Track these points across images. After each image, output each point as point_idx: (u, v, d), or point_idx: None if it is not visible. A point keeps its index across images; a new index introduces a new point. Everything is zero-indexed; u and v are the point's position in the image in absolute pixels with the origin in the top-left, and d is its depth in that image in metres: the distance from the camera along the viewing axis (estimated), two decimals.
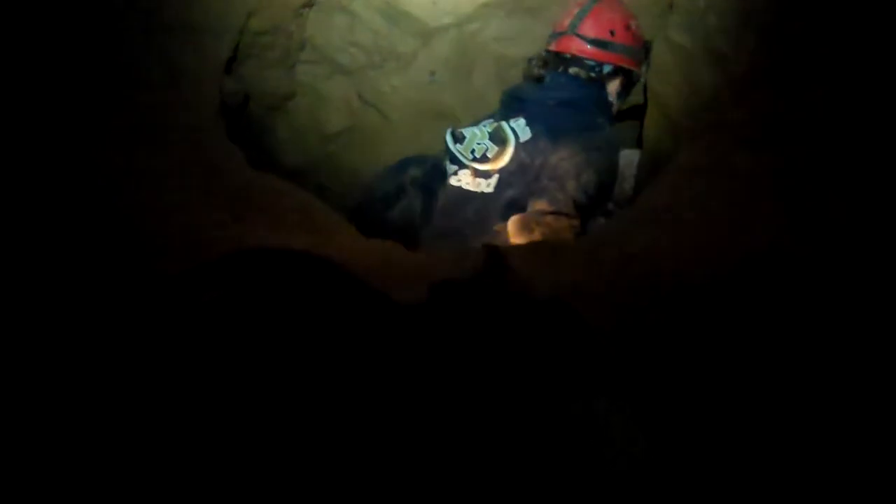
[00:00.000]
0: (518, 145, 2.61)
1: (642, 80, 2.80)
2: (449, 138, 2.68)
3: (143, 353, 1.09)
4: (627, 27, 2.79)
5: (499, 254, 1.46)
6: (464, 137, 2.67)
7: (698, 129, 1.95)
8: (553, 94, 2.75)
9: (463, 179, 2.66)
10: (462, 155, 2.64)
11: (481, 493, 0.91)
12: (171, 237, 1.57)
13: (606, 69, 2.80)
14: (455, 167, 2.68)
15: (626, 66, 2.81)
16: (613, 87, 2.85)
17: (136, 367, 1.07)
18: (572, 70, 2.79)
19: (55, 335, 1.15)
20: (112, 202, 1.62)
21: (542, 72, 2.86)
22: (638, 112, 2.86)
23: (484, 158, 2.62)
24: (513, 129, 2.64)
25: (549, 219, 2.46)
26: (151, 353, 1.09)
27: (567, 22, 2.82)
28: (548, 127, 2.63)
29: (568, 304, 1.21)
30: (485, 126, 2.70)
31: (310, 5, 2.97)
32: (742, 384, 1.10)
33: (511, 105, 2.81)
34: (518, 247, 1.85)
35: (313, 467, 0.96)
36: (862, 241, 1.29)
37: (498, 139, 2.64)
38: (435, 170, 2.76)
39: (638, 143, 2.81)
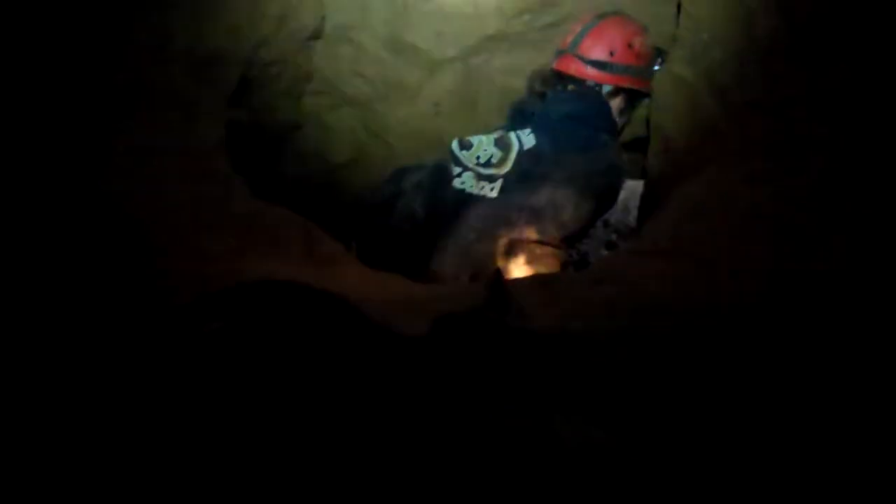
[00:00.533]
0: (522, 152, 2.65)
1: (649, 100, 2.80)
2: (455, 145, 2.72)
3: (144, 382, 1.09)
4: (629, 45, 2.80)
5: (501, 287, 1.47)
6: (470, 145, 2.71)
7: (701, 161, 1.96)
8: (556, 108, 2.77)
9: (467, 183, 2.66)
10: (467, 160, 2.68)
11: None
12: (176, 266, 1.58)
13: (606, 89, 2.83)
14: (459, 169, 2.69)
15: (626, 85, 2.83)
16: (616, 104, 2.87)
17: (137, 397, 1.07)
18: (572, 87, 2.83)
19: (57, 364, 1.15)
20: (115, 229, 1.63)
21: (542, 88, 2.88)
22: (642, 144, 2.88)
23: (488, 164, 2.65)
24: (518, 137, 2.68)
25: (535, 247, 2.48)
26: (153, 382, 1.09)
27: (569, 40, 2.86)
28: (552, 139, 2.66)
29: (566, 335, 1.21)
30: (491, 135, 2.75)
31: (317, 37, 3.00)
32: (741, 415, 1.10)
33: (516, 118, 2.85)
34: (521, 280, 1.86)
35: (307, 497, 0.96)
36: (862, 272, 1.30)
37: (503, 146, 2.68)
38: (438, 172, 2.76)
39: (642, 174, 2.83)
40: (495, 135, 2.73)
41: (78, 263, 1.46)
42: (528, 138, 2.68)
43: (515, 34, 3.05)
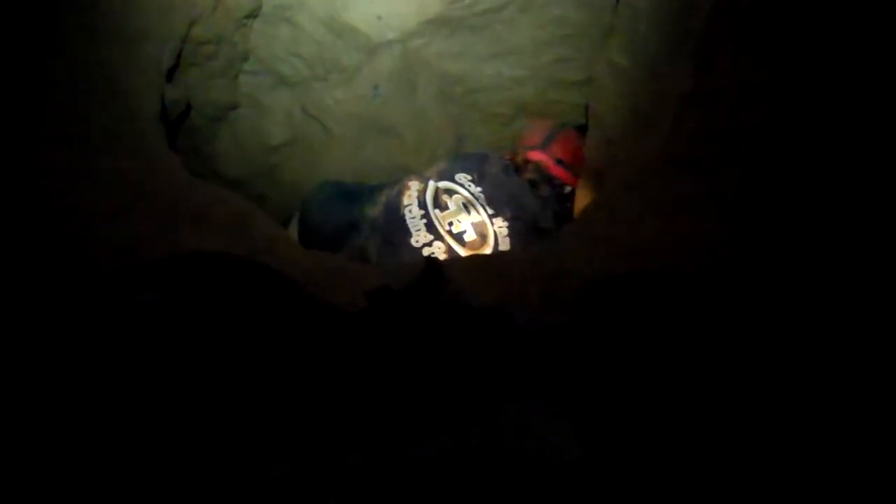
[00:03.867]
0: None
1: None
2: (430, 196, 2.64)
3: (73, 352, 1.07)
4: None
5: (438, 265, 1.47)
6: (446, 206, 2.62)
7: (636, 150, 1.99)
8: (540, 218, 2.74)
9: (437, 253, 2.54)
10: (440, 224, 2.59)
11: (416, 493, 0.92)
12: (108, 242, 1.54)
13: (567, 189, 2.91)
14: (431, 237, 2.58)
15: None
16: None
17: (64, 367, 1.05)
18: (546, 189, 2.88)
19: None
20: (47, 205, 1.59)
21: (539, 180, 2.90)
22: (581, 131, 2.92)
23: (460, 240, 2.57)
24: (496, 234, 2.60)
25: None
26: (82, 353, 1.07)
27: (537, 140, 2.98)
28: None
29: (501, 311, 1.22)
30: (469, 189, 2.67)
31: (254, 16, 2.96)
32: (670, 386, 1.12)
33: (497, 190, 2.73)
34: (458, 259, 1.87)
35: (244, 479, 0.95)
36: (790, 260, 1.33)
37: (479, 232, 2.60)
38: (392, 215, 2.65)
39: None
40: (476, 205, 2.63)
41: (7, 236, 1.42)
42: (504, 239, 2.60)
43: (456, 19, 3.04)
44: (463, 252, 2.53)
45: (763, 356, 1.16)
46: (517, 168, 2.94)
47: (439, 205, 2.62)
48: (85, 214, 1.63)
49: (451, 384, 1.06)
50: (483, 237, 2.58)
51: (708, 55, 1.84)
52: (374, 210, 2.72)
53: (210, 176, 3.17)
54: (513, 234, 2.61)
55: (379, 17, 3.04)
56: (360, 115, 3.25)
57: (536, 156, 2.92)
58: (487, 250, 2.55)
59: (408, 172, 2.96)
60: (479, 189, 2.68)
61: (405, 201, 2.65)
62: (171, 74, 2.55)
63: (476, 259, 1.88)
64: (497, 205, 2.66)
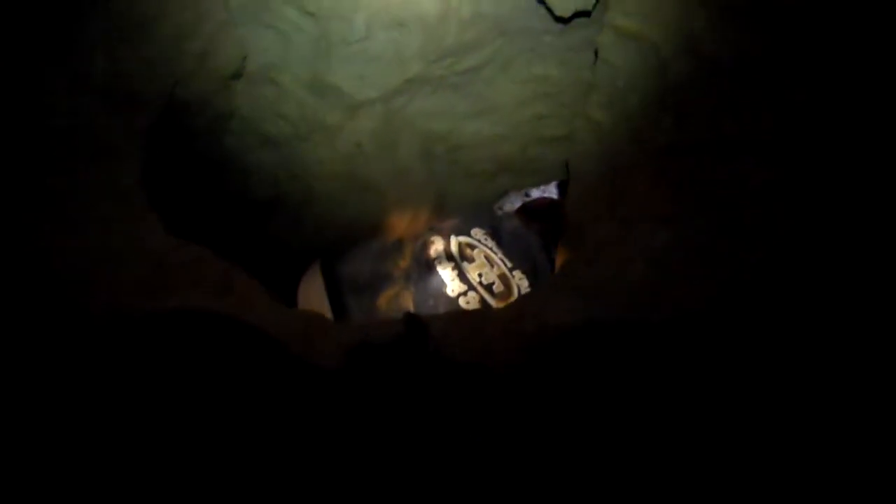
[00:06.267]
0: None
1: None
2: (455, 247, 2.67)
3: (57, 408, 1.06)
4: None
5: (420, 322, 1.47)
6: (472, 259, 2.66)
7: (616, 205, 2.00)
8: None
9: (471, 304, 2.57)
10: (470, 275, 2.62)
11: None
12: (91, 301, 1.54)
13: None
14: (465, 286, 2.60)
15: None
16: None
17: (48, 426, 1.04)
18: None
19: None
20: (30, 264, 1.59)
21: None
22: (563, 187, 2.94)
23: (490, 290, 2.60)
24: (518, 287, 2.64)
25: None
26: (66, 409, 1.06)
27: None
28: None
29: (481, 366, 1.22)
30: (486, 243, 2.70)
31: (238, 77, 2.99)
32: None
33: (517, 252, 2.75)
34: (440, 315, 1.87)
35: None
36: (777, 308, 1.34)
37: (505, 284, 2.63)
38: (423, 267, 2.66)
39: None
40: (495, 265, 2.65)
41: None
42: (526, 291, 2.63)
43: (437, 78, 3.08)
44: (494, 303, 2.55)
45: (744, 399, 1.17)
46: (531, 212, 2.95)
47: (465, 257, 2.66)
48: (67, 273, 1.62)
49: (432, 434, 1.06)
50: (508, 289, 2.61)
51: (686, 110, 1.87)
52: (404, 262, 2.73)
53: (192, 235, 3.17)
54: (534, 285, 2.63)
55: (361, 77, 3.07)
56: (342, 173, 3.26)
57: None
58: (512, 301, 2.55)
59: (389, 229, 2.97)
60: (493, 243, 2.72)
61: (433, 254, 2.68)
62: (154, 134, 2.56)
63: (458, 314, 1.88)
64: (515, 258, 2.69)
